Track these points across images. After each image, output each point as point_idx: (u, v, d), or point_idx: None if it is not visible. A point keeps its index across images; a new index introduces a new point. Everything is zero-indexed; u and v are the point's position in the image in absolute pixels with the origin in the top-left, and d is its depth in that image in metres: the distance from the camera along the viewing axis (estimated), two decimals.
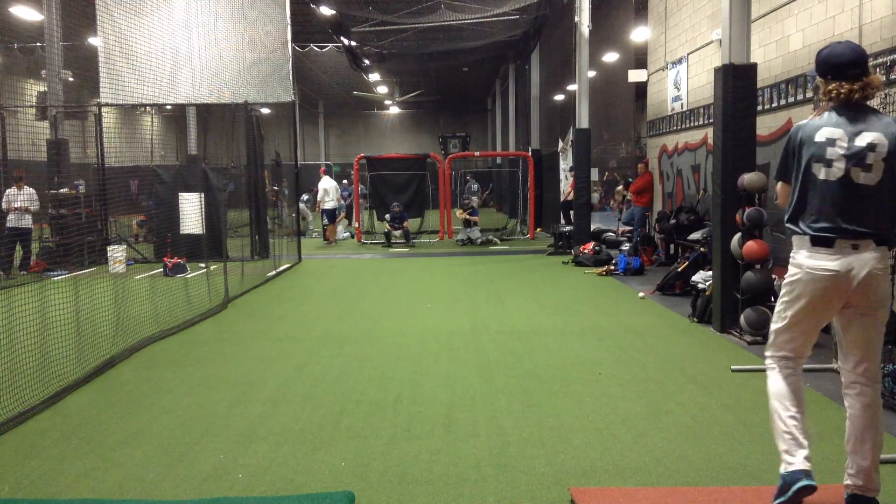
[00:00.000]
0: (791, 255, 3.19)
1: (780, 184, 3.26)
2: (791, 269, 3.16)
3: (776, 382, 3.22)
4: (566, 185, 15.55)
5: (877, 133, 2.99)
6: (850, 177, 2.99)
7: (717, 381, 5.27)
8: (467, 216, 16.24)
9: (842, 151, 2.99)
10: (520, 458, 3.89)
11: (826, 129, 3.04)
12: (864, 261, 2.98)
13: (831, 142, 3.00)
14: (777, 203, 3.25)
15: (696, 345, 6.42)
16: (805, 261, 3.07)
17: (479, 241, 15.95)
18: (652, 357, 5.99)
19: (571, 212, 15.02)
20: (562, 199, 16.04)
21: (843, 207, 2.99)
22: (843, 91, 3.05)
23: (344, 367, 5.80)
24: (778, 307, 3.27)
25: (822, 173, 3.03)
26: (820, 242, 3.02)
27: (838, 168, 3.00)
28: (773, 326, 3.29)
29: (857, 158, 2.98)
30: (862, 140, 2.99)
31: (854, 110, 3.06)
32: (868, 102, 3.10)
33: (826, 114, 3.11)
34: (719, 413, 4.55)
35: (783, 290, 3.21)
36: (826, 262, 2.99)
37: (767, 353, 3.33)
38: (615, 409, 4.66)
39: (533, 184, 17.39)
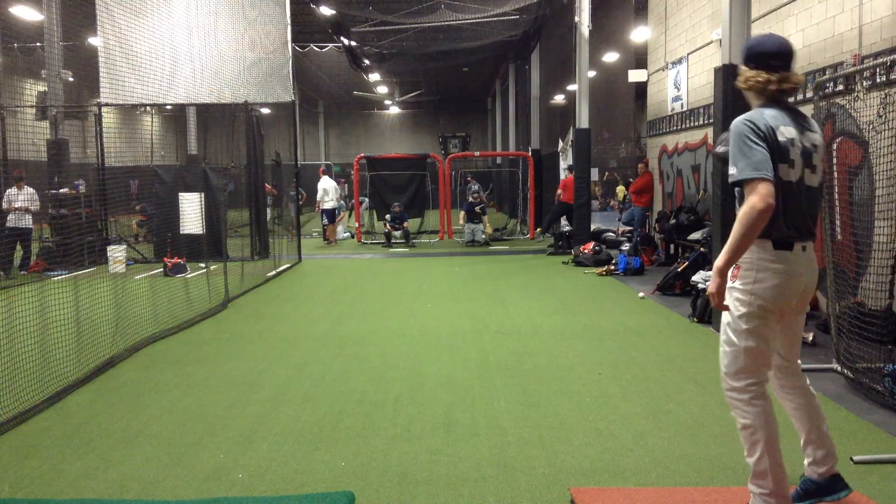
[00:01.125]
0: (741, 261, 2.90)
1: (764, 183, 2.73)
2: (751, 276, 2.88)
3: (767, 416, 2.90)
4: None
5: (816, 133, 2.99)
6: (803, 178, 2.91)
7: (717, 381, 5.19)
8: (477, 211, 16.07)
9: (799, 152, 2.89)
10: (520, 458, 3.89)
11: (783, 127, 2.89)
12: (812, 262, 2.99)
13: (791, 141, 2.88)
14: (759, 209, 2.69)
15: (696, 345, 6.42)
16: (770, 265, 2.88)
17: (483, 241, 15.89)
18: (652, 357, 5.99)
19: (563, 217, 14.80)
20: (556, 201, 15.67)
21: (798, 210, 2.91)
22: (788, 85, 2.95)
23: (344, 367, 5.80)
24: (739, 324, 2.91)
25: (786, 174, 2.87)
26: (782, 246, 2.88)
27: (798, 169, 2.90)
28: (743, 345, 2.90)
29: (807, 159, 2.92)
30: (808, 140, 2.94)
31: (789, 108, 2.98)
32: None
33: (768, 110, 2.94)
34: (719, 413, 4.55)
35: (744, 302, 2.89)
36: (793, 266, 2.90)
37: (739, 384, 2.93)
38: (615, 409, 4.66)
39: (533, 184, 17.39)
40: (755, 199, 2.72)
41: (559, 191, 15.13)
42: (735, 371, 2.96)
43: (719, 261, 2.83)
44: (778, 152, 2.84)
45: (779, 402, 3.22)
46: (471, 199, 16.26)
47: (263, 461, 3.90)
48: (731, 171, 2.84)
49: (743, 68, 3.09)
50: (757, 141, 2.82)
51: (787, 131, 2.89)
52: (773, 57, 2.99)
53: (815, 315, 7.06)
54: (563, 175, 16.02)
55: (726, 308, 2.94)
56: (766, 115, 2.90)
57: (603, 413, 4.59)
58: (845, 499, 3.14)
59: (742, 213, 2.76)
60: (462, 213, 16.25)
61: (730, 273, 2.91)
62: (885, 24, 6.29)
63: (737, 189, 2.93)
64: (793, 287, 2.91)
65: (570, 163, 14.59)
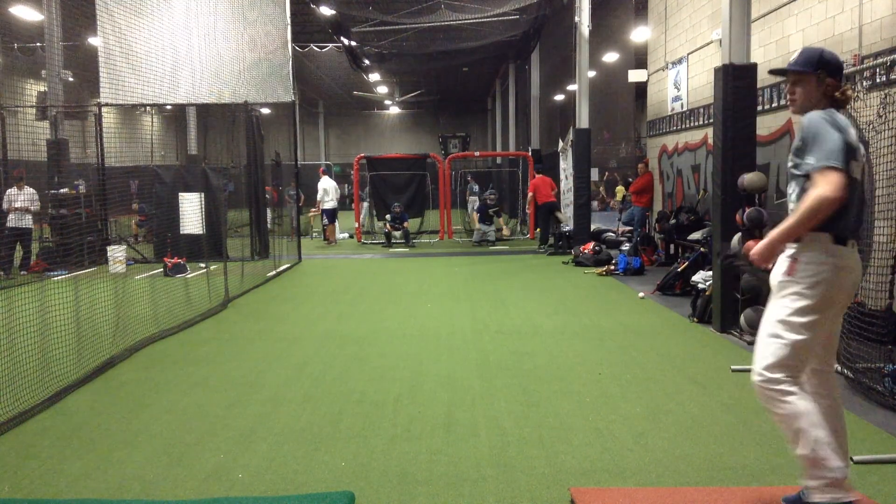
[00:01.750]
0: (798, 254, 2.92)
1: (837, 173, 2.75)
2: (810, 269, 2.88)
3: (805, 401, 2.87)
4: (567, 185, 15.46)
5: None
6: (861, 177, 3.03)
7: (717, 381, 5.27)
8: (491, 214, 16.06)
9: (861, 152, 3.01)
10: (520, 458, 3.89)
11: (851, 129, 2.97)
12: (859, 260, 3.03)
13: (857, 141, 2.98)
14: (830, 198, 2.71)
15: (696, 345, 6.42)
16: (829, 258, 2.88)
17: (491, 241, 15.91)
18: (652, 357, 5.99)
19: (557, 213, 14.67)
20: (528, 206, 15.13)
21: (860, 206, 3.01)
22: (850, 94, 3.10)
23: (344, 367, 5.80)
24: (792, 317, 2.90)
25: (854, 171, 2.92)
26: (840, 241, 2.91)
27: (860, 168, 2.99)
28: (791, 338, 2.88)
29: (862, 162, 3.03)
30: (860, 146, 3.04)
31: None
32: (874, 101, 3.15)
33: (838, 113, 2.99)
34: (719, 413, 4.55)
35: (804, 296, 2.88)
36: (847, 261, 2.93)
37: (775, 376, 2.89)
38: (615, 409, 4.65)
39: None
40: (827, 189, 2.73)
41: (530, 193, 14.94)
42: (774, 363, 2.91)
43: (776, 234, 2.86)
44: (849, 150, 2.88)
45: None
46: (488, 200, 16.25)
47: (263, 461, 3.90)
48: (809, 160, 2.85)
49: (828, 79, 3.03)
50: (833, 130, 2.85)
51: (853, 132, 2.98)
52: (841, 71, 3.12)
53: None
54: (563, 176, 16.00)
55: (767, 269, 2.99)
56: (838, 115, 2.97)
57: (603, 413, 4.59)
58: None
59: (811, 198, 2.76)
60: (476, 214, 16.31)
61: (784, 267, 2.94)
62: (885, 24, 6.29)
63: (799, 178, 2.95)
64: (847, 282, 2.94)
65: (570, 162, 14.58)
